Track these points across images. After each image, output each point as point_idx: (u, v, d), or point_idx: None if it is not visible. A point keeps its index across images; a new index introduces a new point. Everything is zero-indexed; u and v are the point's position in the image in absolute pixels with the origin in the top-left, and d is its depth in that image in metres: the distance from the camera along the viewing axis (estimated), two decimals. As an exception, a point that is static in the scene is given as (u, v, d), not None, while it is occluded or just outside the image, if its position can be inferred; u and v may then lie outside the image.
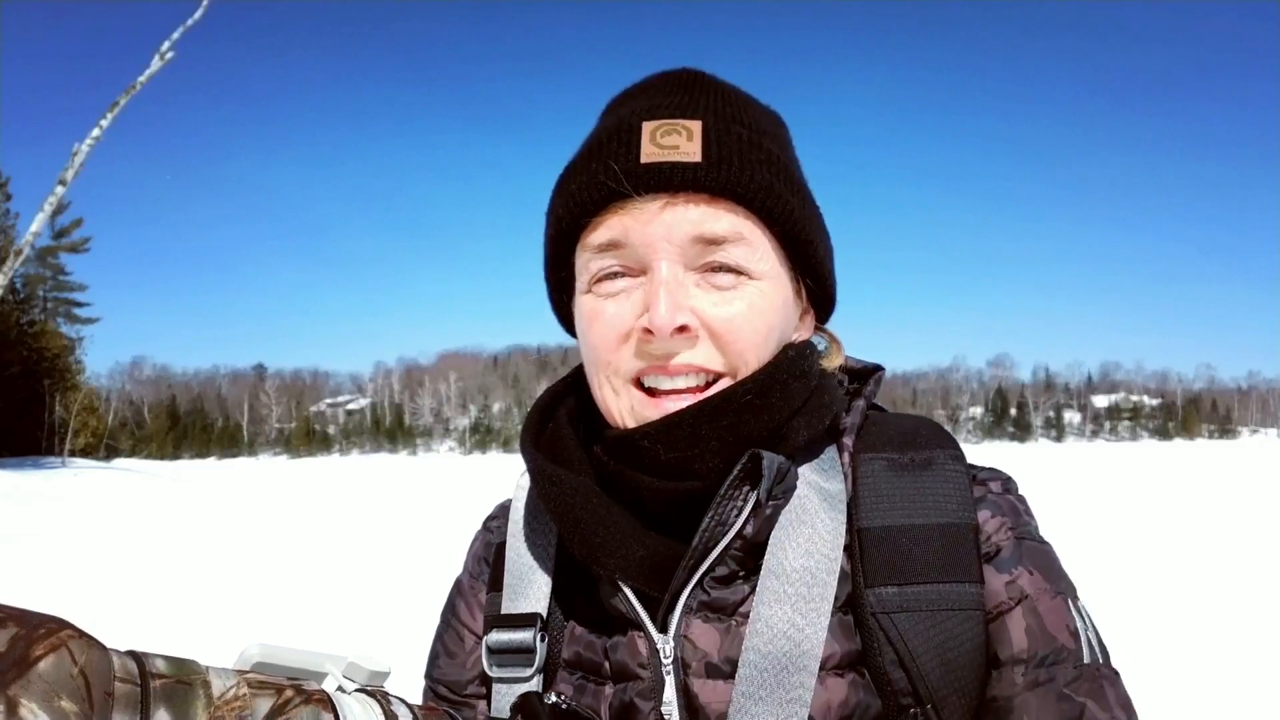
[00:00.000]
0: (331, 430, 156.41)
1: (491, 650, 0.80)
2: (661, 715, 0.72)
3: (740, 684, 0.69)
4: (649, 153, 0.71)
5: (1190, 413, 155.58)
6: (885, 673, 0.71)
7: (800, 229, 0.75)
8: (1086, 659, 0.71)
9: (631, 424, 0.74)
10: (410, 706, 0.60)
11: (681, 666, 0.72)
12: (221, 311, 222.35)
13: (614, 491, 0.75)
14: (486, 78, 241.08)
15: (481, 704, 0.86)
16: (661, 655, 0.72)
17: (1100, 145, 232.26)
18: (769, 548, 0.73)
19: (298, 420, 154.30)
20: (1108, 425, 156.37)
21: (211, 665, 0.50)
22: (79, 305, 63.47)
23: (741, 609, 0.73)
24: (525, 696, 0.71)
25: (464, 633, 0.88)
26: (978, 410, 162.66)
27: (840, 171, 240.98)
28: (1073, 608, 0.73)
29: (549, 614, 0.80)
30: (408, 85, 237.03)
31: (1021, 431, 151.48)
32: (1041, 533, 0.78)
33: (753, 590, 0.73)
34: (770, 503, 0.72)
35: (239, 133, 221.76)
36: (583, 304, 0.77)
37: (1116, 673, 0.72)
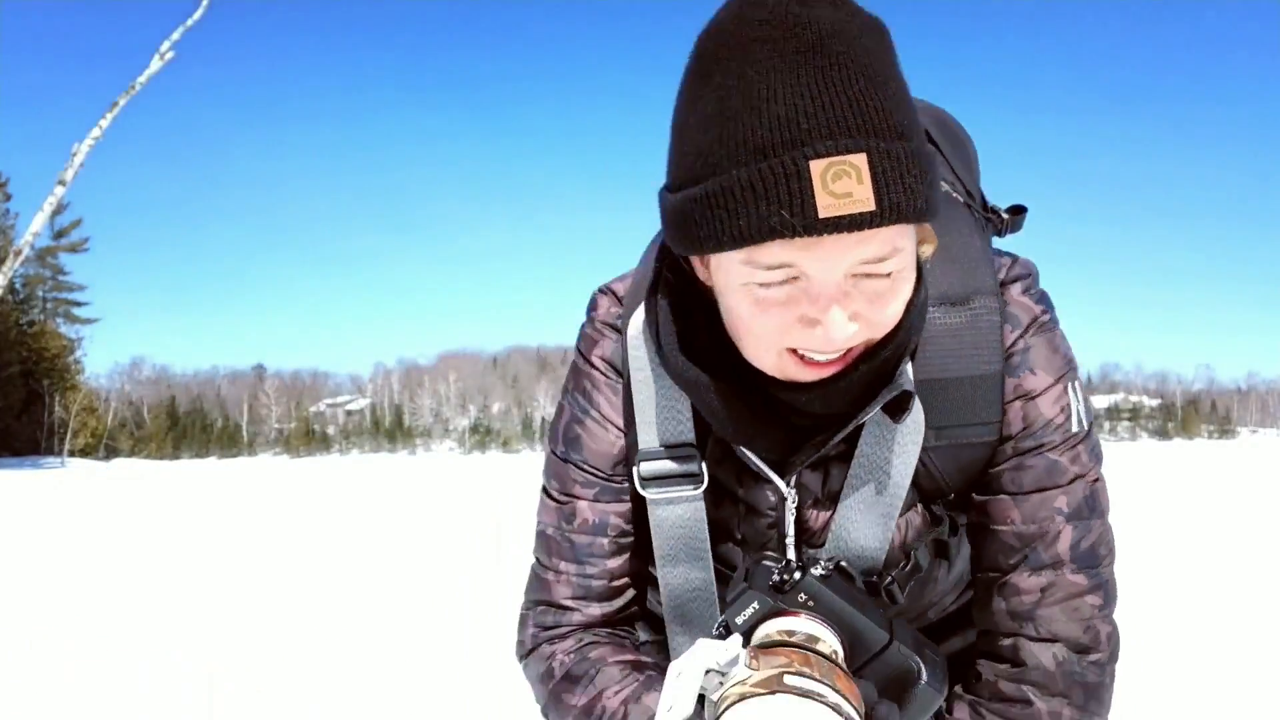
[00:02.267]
0: (331, 430, 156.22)
1: (645, 478, 0.97)
2: (783, 534, 0.97)
3: (843, 507, 0.95)
4: (825, 205, 0.72)
5: (1190, 413, 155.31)
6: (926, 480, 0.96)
7: (938, 212, 0.80)
8: (1074, 429, 0.93)
9: (781, 377, 0.85)
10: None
11: (796, 503, 0.96)
12: (221, 311, 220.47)
13: (755, 390, 0.89)
14: (486, 78, 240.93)
15: (623, 510, 1.02)
16: (788, 501, 0.95)
17: (1100, 145, 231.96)
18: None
19: (297, 420, 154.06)
20: (1107, 426, 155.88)
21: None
22: (78, 305, 63.65)
23: (839, 460, 0.95)
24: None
25: (606, 424, 1.01)
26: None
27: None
28: (1069, 388, 0.94)
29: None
30: (408, 85, 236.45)
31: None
32: (1051, 316, 0.96)
33: (853, 447, 0.93)
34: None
35: (239, 132, 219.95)
36: (743, 293, 0.80)
37: (1089, 429, 0.95)
